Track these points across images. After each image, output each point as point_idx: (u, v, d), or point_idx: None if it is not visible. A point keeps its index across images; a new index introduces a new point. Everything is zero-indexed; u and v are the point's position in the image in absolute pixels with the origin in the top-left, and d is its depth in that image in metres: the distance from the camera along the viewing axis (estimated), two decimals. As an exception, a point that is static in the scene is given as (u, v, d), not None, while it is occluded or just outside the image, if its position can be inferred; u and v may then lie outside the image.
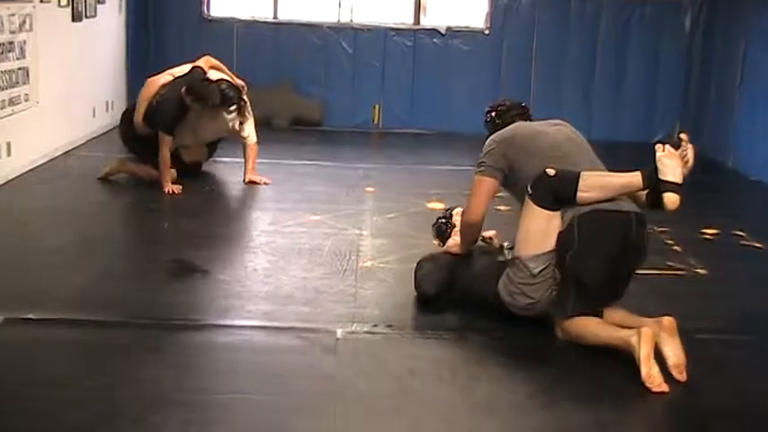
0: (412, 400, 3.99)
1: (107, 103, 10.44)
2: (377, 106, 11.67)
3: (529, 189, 4.57)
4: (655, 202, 4.47)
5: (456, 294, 5.06)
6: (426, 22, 11.68)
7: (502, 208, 6.45)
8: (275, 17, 11.62)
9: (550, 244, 4.54)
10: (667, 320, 4.28)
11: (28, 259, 5.81)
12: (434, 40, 11.60)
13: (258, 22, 11.59)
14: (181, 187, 7.61)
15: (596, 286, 4.49)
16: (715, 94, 10.79)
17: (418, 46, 11.61)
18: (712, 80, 10.89)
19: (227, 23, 11.46)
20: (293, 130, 11.28)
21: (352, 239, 6.41)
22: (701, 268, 6.11)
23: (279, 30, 11.54)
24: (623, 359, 4.27)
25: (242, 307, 4.99)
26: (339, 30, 11.58)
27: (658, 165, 4.37)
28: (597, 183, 4.49)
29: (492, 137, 5.06)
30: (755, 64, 9.76)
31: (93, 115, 9.97)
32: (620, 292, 4.65)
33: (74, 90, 9.24)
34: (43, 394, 3.86)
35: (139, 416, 3.69)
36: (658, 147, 4.45)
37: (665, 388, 4.05)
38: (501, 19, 11.53)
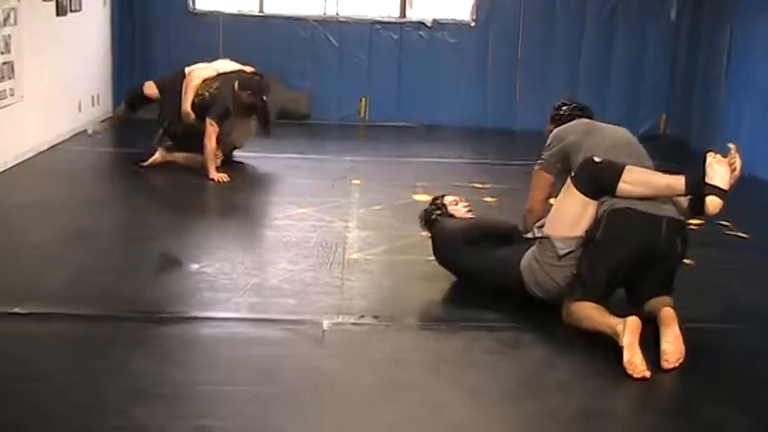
0: (399, 390, 3.99)
1: (93, 97, 10.41)
2: (363, 99, 11.67)
3: (573, 172, 4.72)
4: (697, 207, 4.54)
5: (463, 272, 5.13)
6: (412, 14, 11.67)
7: (488, 199, 6.44)
8: (261, 11, 11.60)
9: (581, 230, 4.64)
10: (666, 310, 4.37)
11: (14, 253, 5.78)
12: (420, 32, 11.60)
13: (244, 15, 11.57)
14: (227, 176, 7.82)
15: (600, 282, 4.54)
16: (701, 84, 10.81)
17: (404, 39, 11.60)
18: (698, 71, 10.91)
19: (212, 17, 11.43)
20: (280, 123, 11.23)
21: (338, 232, 6.41)
22: (686, 258, 6.10)
23: (265, 23, 11.52)
24: (612, 347, 4.29)
25: (228, 299, 4.98)
26: (325, 23, 11.56)
27: (708, 169, 4.45)
28: (640, 178, 4.57)
29: (556, 131, 5.19)
30: (741, 54, 9.78)
31: (80, 109, 9.94)
32: (642, 292, 4.65)
33: (59, 84, 9.20)
34: (28, 388, 3.85)
35: (124, 408, 3.67)
36: (710, 153, 4.53)
37: (646, 374, 4.08)
38: (486, 11, 11.53)
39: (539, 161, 5.18)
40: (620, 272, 4.58)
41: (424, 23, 11.58)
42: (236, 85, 8.12)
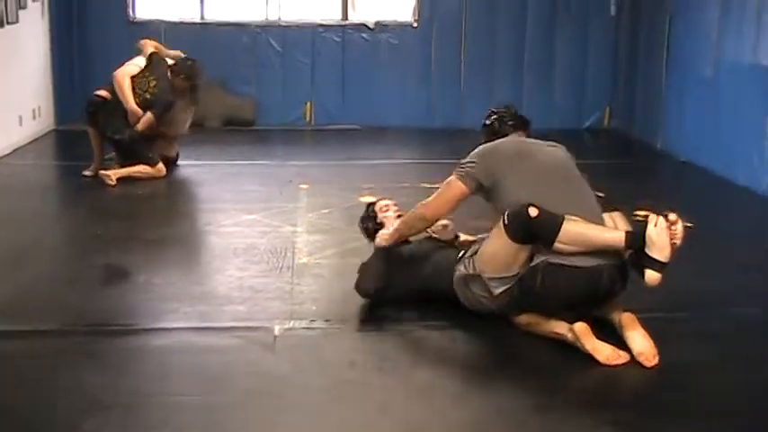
0: (350, 391, 3.99)
1: (34, 110, 10.28)
2: (308, 103, 11.65)
3: (505, 219, 4.41)
4: (635, 267, 4.35)
5: (412, 289, 4.97)
6: (354, 17, 11.68)
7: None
8: (202, 18, 11.55)
9: (515, 270, 4.46)
10: (626, 316, 4.38)
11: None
12: (363, 35, 11.61)
13: (185, 23, 11.49)
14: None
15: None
16: (643, 77, 10.93)
17: (347, 41, 11.61)
18: (640, 64, 11.03)
19: (153, 25, 11.31)
20: (226, 130, 11.21)
21: (287, 236, 6.39)
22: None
23: (206, 30, 11.46)
24: (564, 343, 4.33)
25: (177, 309, 4.94)
26: (267, 28, 11.53)
27: (647, 239, 4.21)
28: (577, 238, 4.31)
29: (483, 146, 4.84)
30: (681, 46, 9.91)
31: (20, 123, 9.80)
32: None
33: (-1, 98, 9.09)
34: (-25, 407, 3.79)
35: (76, 422, 3.63)
36: (651, 218, 4.27)
37: (625, 358, 4.19)
38: (428, 11, 11.57)
39: (457, 171, 4.73)
40: (562, 309, 4.51)
41: (366, 26, 11.59)
42: (169, 73, 8.17)
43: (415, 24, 11.63)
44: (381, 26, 11.61)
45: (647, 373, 4.20)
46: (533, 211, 4.31)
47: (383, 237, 5.04)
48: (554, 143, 4.93)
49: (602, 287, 4.41)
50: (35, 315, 4.87)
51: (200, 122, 10.49)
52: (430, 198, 4.83)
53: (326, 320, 4.79)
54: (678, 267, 5.76)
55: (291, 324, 4.73)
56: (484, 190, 4.68)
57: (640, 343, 4.27)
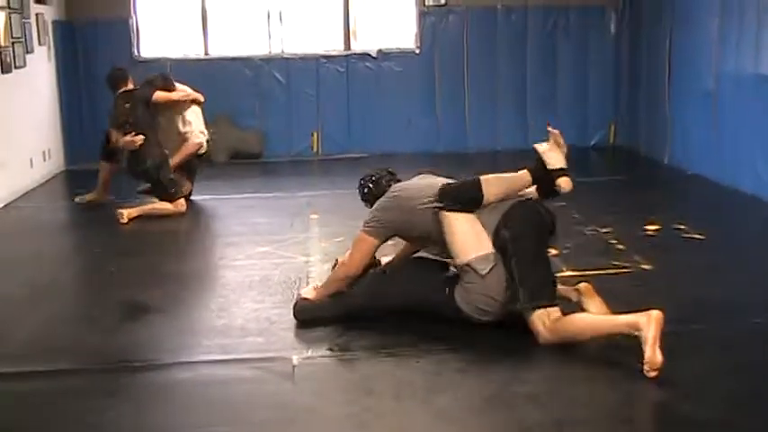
0: (372, 418, 4.02)
1: (44, 152, 10.38)
2: (315, 133, 11.73)
3: (438, 202, 4.92)
4: (547, 191, 4.97)
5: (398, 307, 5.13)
6: (357, 46, 11.78)
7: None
8: (206, 53, 11.65)
9: (487, 245, 4.82)
10: (585, 285, 4.95)
11: (-24, 314, 5.76)
12: (366, 63, 11.71)
13: (190, 59, 11.60)
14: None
15: (535, 267, 4.76)
16: (646, 92, 11.00)
17: (351, 71, 11.70)
18: (642, 79, 11.09)
19: (158, 63, 11.41)
20: (233, 164, 11.29)
21: (300, 267, 6.43)
22: (645, 264, 6.22)
23: (211, 65, 11.57)
24: (580, 356, 4.38)
25: (196, 343, 4.98)
26: (271, 61, 11.64)
27: (545, 158, 4.91)
28: (498, 183, 4.94)
29: (379, 203, 5.24)
30: (682, 60, 9.97)
31: (31, 165, 9.90)
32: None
33: (9, 142, 9.17)
34: (1, 448, 3.83)
35: (102, 460, 3.67)
36: (536, 146, 5.00)
37: (654, 374, 4.22)
38: (430, 38, 11.67)
39: (365, 227, 5.17)
40: (540, 253, 4.85)
41: (369, 54, 11.68)
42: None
43: (418, 51, 11.72)
44: (384, 54, 11.70)
45: (663, 384, 4.23)
46: (451, 182, 5.04)
47: (308, 292, 5.37)
48: (423, 174, 5.45)
49: (545, 214, 4.93)
50: (54, 355, 4.91)
51: (207, 157, 10.58)
52: (346, 257, 5.28)
53: (344, 348, 4.82)
54: (691, 278, 5.85)
55: (309, 353, 4.76)
56: (399, 232, 5.19)
57: (595, 308, 4.82)
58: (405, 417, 4.04)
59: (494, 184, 4.92)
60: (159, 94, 8.50)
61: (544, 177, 4.91)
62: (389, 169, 5.56)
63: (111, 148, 8.52)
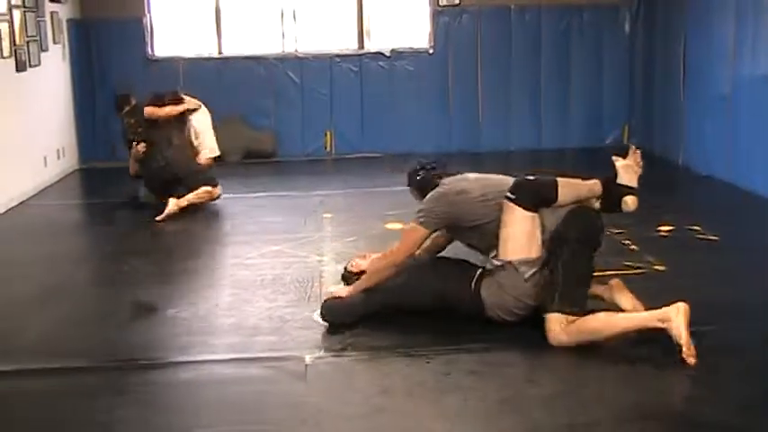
0: (384, 418, 4.01)
1: (58, 150, 10.41)
2: (328, 133, 11.72)
3: (510, 194, 4.90)
4: (611, 205, 4.99)
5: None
6: (370, 45, 11.76)
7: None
8: (220, 52, 11.66)
9: (536, 251, 4.84)
10: (616, 281, 5.06)
11: (-12, 312, 5.77)
12: (380, 63, 11.69)
13: (203, 58, 11.61)
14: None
15: (579, 276, 4.80)
16: (660, 93, 10.95)
17: (364, 70, 11.69)
18: (656, 79, 11.05)
19: (172, 62, 11.46)
20: (246, 163, 11.29)
21: (313, 266, 6.43)
22: (659, 265, 6.19)
23: (224, 65, 11.57)
24: (592, 358, 4.39)
25: (207, 342, 4.98)
26: (284, 60, 11.63)
27: (619, 173, 4.94)
28: (571, 187, 4.96)
29: (433, 195, 5.18)
30: (697, 62, 9.92)
31: (45, 164, 9.93)
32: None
33: (23, 140, 9.20)
34: (13, 445, 3.84)
35: (113, 458, 3.67)
36: (615, 158, 5.01)
37: (693, 360, 4.39)
38: (443, 37, 11.65)
39: (417, 217, 5.11)
40: (591, 268, 4.90)
41: (382, 54, 11.67)
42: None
43: (431, 51, 11.70)
44: (397, 54, 11.68)
45: (677, 386, 4.21)
46: (531, 176, 5.01)
47: (340, 290, 5.33)
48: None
49: (600, 227, 4.98)
50: (66, 352, 4.92)
51: (220, 157, 10.59)
52: (396, 246, 5.22)
53: (356, 348, 4.81)
54: (704, 280, 5.82)
55: (322, 352, 4.76)
56: (450, 227, 5.21)
57: (628, 303, 4.93)
58: (416, 417, 4.02)
59: (567, 189, 4.93)
60: (148, 110, 8.63)
61: (613, 191, 4.96)
62: (440, 161, 5.55)
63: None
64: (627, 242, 6.72)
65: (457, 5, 11.60)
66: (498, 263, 4.91)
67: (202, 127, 8.83)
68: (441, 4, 11.61)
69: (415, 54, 11.74)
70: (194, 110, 8.85)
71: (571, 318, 4.66)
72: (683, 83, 10.25)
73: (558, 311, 4.68)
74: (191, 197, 8.30)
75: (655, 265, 6.20)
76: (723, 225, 7.26)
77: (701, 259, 6.42)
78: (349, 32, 11.76)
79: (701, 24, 9.81)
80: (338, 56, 11.69)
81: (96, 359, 4.80)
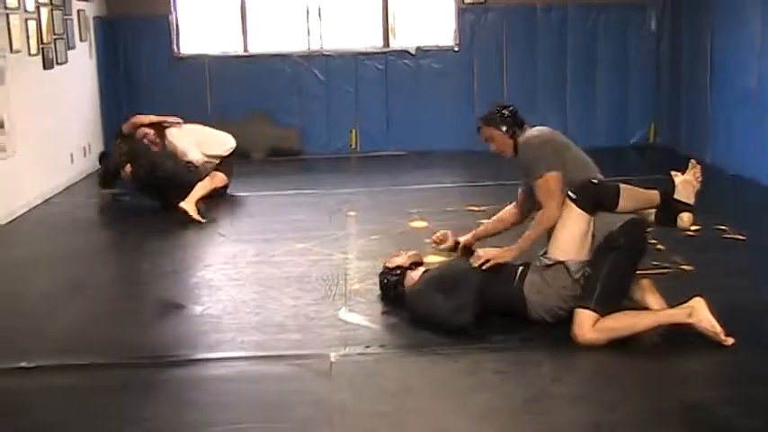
0: (409, 416, 4.01)
1: (84, 148, 10.46)
2: (353, 131, 11.73)
3: (572, 194, 4.89)
4: (666, 219, 5.01)
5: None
6: (396, 43, 11.76)
7: (484, 221, 6.44)
8: (246, 50, 11.69)
9: (586, 253, 4.87)
10: (647, 281, 5.06)
11: (15, 307, 5.81)
12: (405, 61, 11.69)
13: (229, 56, 11.65)
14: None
15: (621, 281, 4.86)
16: (687, 91, 10.89)
17: (390, 68, 11.69)
18: (683, 77, 10.99)
19: (198, 60, 11.51)
20: (272, 161, 11.32)
21: (338, 264, 6.43)
22: (686, 264, 6.16)
23: (250, 62, 11.61)
24: (618, 357, 4.36)
25: (234, 339, 5.00)
26: (310, 58, 11.65)
27: (677, 188, 4.94)
28: (632, 195, 4.95)
29: (534, 138, 5.24)
30: (724, 59, 9.85)
31: (72, 161, 9.99)
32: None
33: (51, 137, 9.25)
34: (42, 441, 3.86)
35: (140, 454, 3.69)
36: (674, 173, 5.01)
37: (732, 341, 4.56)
38: (469, 35, 11.63)
39: (545, 166, 5.03)
40: (633, 277, 4.98)
41: (408, 52, 11.67)
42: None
43: (457, 48, 11.69)
44: (423, 51, 11.67)
45: (702, 388, 4.19)
46: (595, 180, 4.97)
47: (503, 254, 5.12)
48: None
49: (647, 236, 5.09)
50: (94, 348, 4.94)
51: (245, 154, 10.62)
52: (545, 206, 5.04)
53: (381, 346, 4.82)
54: (732, 279, 5.79)
55: (347, 350, 4.76)
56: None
57: (656, 305, 4.96)
58: (441, 416, 4.02)
59: (628, 197, 4.92)
60: (133, 120, 8.79)
61: (670, 205, 4.96)
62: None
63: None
64: (653, 241, 6.66)
65: (482, 3, 11.58)
66: (549, 261, 4.91)
67: (183, 143, 8.67)
68: (466, 1, 11.59)
69: (440, 52, 11.72)
70: (173, 124, 8.79)
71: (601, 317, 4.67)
72: (709, 81, 10.19)
73: (592, 310, 4.67)
74: (197, 192, 8.20)
75: (682, 264, 6.17)
76: (750, 224, 7.21)
77: (729, 259, 6.38)
78: (374, 30, 11.76)
79: (727, 21, 9.75)
80: (363, 54, 11.69)
81: (123, 356, 4.82)
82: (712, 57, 10.11)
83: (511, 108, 5.49)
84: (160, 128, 8.73)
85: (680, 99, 11.10)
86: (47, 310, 5.68)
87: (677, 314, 4.71)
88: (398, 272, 5.42)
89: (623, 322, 4.68)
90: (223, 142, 8.94)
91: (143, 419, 4.03)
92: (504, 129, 5.38)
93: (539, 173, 5.05)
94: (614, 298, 4.77)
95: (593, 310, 4.67)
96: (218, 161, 8.75)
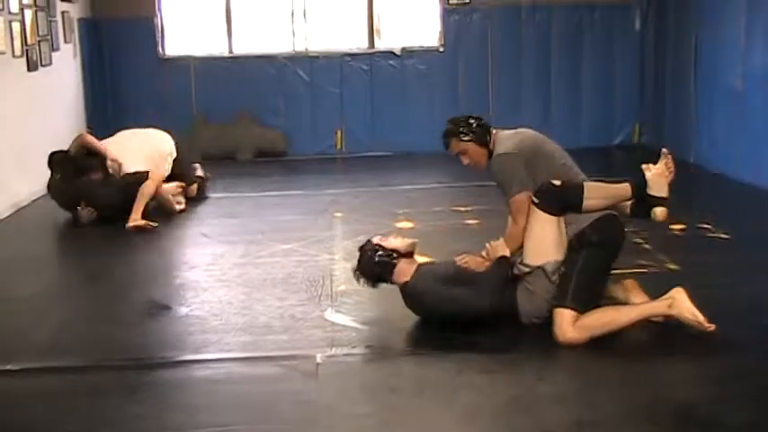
0: (395, 416, 4.01)
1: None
2: (339, 131, 11.72)
3: (534, 199, 4.82)
4: (641, 212, 4.91)
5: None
6: (381, 44, 11.76)
7: (470, 222, 6.46)
8: (231, 52, 11.67)
9: (562, 253, 4.82)
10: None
11: (1, 310, 5.78)
12: (390, 62, 11.69)
13: (214, 58, 11.63)
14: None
15: (596, 279, 4.85)
16: (671, 91, 10.92)
17: (375, 69, 11.69)
18: (667, 77, 11.02)
19: (183, 61, 11.50)
20: (257, 162, 11.30)
21: (324, 265, 6.43)
22: (671, 263, 6.18)
23: (235, 64, 11.59)
24: (603, 356, 4.39)
25: (219, 340, 4.99)
26: (295, 59, 11.64)
27: (649, 183, 4.79)
28: (600, 193, 4.87)
29: (507, 154, 5.13)
30: (708, 59, 9.89)
31: (55, 163, 9.91)
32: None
33: (33, 140, 9.19)
34: (26, 443, 3.85)
35: (125, 456, 3.68)
36: (645, 167, 4.84)
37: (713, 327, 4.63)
38: (454, 36, 11.64)
39: (517, 186, 4.99)
40: (608, 274, 4.97)
41: (393, 53, 11.67)
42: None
43: (442, 49, 11.70)
44: (408, 52, 11.68)
45: (688, 385, 4.21)
46: (557, 182, 4.82)
47: (480, 266, 5.09)
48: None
49: (623, 230, 4.98)
50: (79, 350, 4.93)
51: (231, 155, 10.61)
52: (514, 224, 5.04)
53: (367, 346, 4.83)
54: (717, 278, 5.80)
55: (333, 351, 4.76)
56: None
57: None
58: (427, 416, 4.02)
59: (595, 194, 4.83)
60: (86, 138, 8.49)
61: (643, 198, 4.85)
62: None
63: None
64: (639, 240, 6.69)
65: (467, 4, 11.60)
66: (527, 268, 4.87)
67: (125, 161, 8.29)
68: (451, 2, 11.60)
69: (425, 53, 11.73)
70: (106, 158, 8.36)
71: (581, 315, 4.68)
72: (694, 80, 10.22)
73: (570, 308, 4.68)
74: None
75: (667, 263, 6.19)
76: (735, 223, 7.24)
77: (713, 258, 6.40)
78: (359, 31, 11.76)
79: (712, 21, 9.79)
80: (348, 55, 11.69)
81: (109, 357, 4.81)
82: (697, 56, 10.15)
83: (477, 117, 5.54)
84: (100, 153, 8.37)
85: (664, 99, 11.13)
86: (32, 312, 5.66)
87: (658, 306, 4.75)
88: (395, 255, 5.13)
89: (604, 318, 4.69)
90: (162, 147, 8.63)
91: (126, 421, 4.02)
92: (477, 140, 5.35)
93: (510, 193, 5.04)
94: (590, 295, 4.77)
95: (571, 309, 4.67)
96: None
